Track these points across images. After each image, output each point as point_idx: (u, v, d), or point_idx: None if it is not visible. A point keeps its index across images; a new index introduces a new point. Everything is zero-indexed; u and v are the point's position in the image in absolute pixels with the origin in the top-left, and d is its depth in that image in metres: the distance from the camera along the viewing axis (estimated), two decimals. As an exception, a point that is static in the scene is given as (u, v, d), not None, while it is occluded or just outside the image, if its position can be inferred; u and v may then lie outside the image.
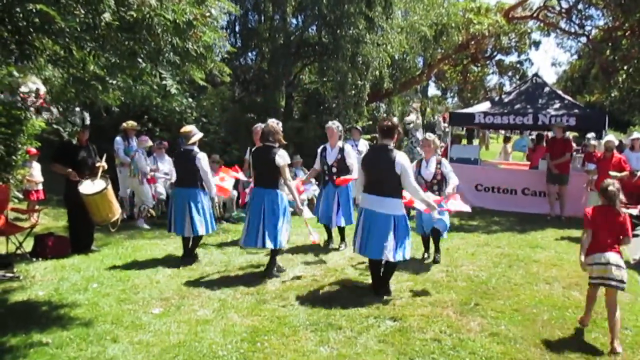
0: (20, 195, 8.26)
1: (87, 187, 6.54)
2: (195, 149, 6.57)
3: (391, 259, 5.05)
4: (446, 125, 18.52)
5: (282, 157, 5.70)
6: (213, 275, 6.01)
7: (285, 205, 5.91)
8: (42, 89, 6.32)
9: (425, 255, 6.74)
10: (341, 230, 7.32)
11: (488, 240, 7.93)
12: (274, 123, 5.89)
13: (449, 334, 4.32)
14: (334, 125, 7.26)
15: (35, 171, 8.90)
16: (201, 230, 6.49)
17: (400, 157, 5.06)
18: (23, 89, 7.44)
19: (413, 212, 6.94)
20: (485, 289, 5.53)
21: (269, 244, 5.72)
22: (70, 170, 6.68)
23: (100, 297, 5.13)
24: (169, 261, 6.54)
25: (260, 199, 5.77)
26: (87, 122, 10.13)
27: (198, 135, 6.64)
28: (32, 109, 7.36)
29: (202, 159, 6.50)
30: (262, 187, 5.82)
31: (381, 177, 5.10)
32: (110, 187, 6.62)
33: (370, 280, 5.47)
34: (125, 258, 6.71)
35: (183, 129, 6.74)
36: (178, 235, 6.69)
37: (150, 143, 9.07)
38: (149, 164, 9.03)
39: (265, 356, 3.90)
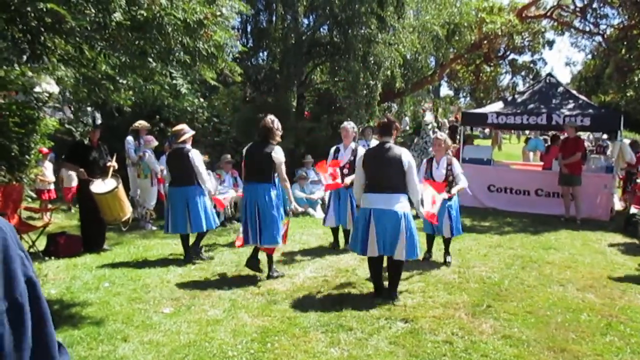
0: (34, 195, 8.33)
1: (99, 186, 6.59)
2: (187, 146, 6.54)
3: (413, 257, 5.09)
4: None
5: (278, 154, 5.62)
6: (224, 275, 6.00)
7: (281, 202, 5.84)
8: (55, 90, 6.35)
9: (427, 255, 6.67)
10: (348, 232, 7.27)
11: (501, 242, 7.85)
12: (270, 122, 5.70)
13: (461, 336, 4.27)
14: (350, 125, 7.16)
15: (47, 171, 8.97)
16: (205, 226, 6.49)
17: (406, 154, 5.05)
18: (37, 89, 7.46)
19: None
20: (498, 290, 5.47)
21: (269, 242, 5.65)
22: (81, 169, 6.73)
23: (112, 296, 5.15)
24: (180, 261, 6.55)
25: (255, 194, 5.63)
26: (98, 122, 10.16)
27: (189, 133, 6.63)
28: (45, 108, 7.39)
29: (195, 156, 6.50)
30: (257, 182, 5.66)
31: (387, 174, 5.03)
32: (121, 186, 6.66)
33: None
34: (137, 257, 6.75)
35: (174, 128, 6.74)
36: (175, 234, 6.71)
37: (155, 143, 9.03)
38: (160, 164, 9.04)
39: (275, 357, 3.88)
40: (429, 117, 10.91)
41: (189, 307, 4.89)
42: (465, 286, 5.59)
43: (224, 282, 5.73)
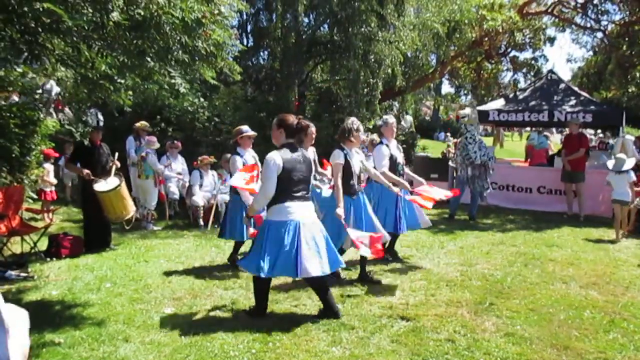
0: (35, 196, 8.33)
1: (101, 185, 6.62)
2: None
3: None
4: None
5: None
6: (225, 275, 5.99)
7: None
8: (57, 90, 6.39)
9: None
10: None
11: (503, 239, 7.83)
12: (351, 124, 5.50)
13: (463, 334, 4.25)
14: (393, 120, 6.49)
15: (49, 173, 8.97)
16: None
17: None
18: (47, 86, 7.48)
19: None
20: (501, 288, 5.45)
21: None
22: (86, 171, 6.77)
23: (113, 297, 5.14)
24: (182, 261, 6.54)
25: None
26: (101, 123, 10.22)
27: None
28: (45, 109, 7.41)
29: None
30: None
31: None
32: (124, 184, 6.69)
33: (383, 281, 5.53)
34: (139, 258, 6.74)
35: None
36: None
37: (157, 145, 9.02)
38: (161, 164, 9.03)
39: (277, 356, 3.86)
40: (468, 112, 10.27)
41: (190, 307, 4.88)
42: (467, 284, 5.57)
43: (225, 281, 5.71)
